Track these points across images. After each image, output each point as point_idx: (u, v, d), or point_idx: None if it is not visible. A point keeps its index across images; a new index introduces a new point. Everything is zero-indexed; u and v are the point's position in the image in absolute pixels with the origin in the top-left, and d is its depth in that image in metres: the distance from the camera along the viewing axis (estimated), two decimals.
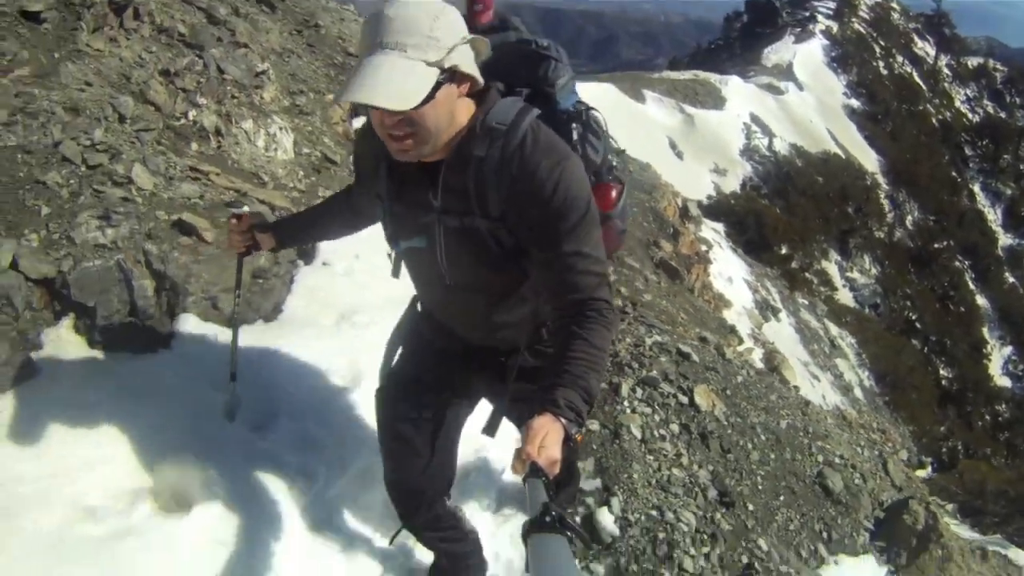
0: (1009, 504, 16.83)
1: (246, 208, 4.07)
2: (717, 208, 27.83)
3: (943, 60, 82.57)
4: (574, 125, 3.41)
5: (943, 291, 46.42)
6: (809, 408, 9.29)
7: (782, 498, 7.16)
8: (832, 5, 75.44)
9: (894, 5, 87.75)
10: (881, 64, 70.80)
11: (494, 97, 2.99)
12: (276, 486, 4.42)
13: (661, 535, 5.61)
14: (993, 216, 64.01)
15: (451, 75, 2.72)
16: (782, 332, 21.66)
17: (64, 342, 4.34)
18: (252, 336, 5.32)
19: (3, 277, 4.14)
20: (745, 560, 5.94)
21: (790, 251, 31.48)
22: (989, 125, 73.50)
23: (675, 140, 32.18)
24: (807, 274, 31.66)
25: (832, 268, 37.82)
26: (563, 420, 2.64)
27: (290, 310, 5.79)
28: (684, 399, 7.42)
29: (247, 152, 7.11)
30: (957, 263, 51.09)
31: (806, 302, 24.40)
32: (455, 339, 3.73)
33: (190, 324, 4.86)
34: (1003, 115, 78.51)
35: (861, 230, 42.41)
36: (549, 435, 2.55)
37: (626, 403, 7.10)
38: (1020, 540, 14.02)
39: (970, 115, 76.72)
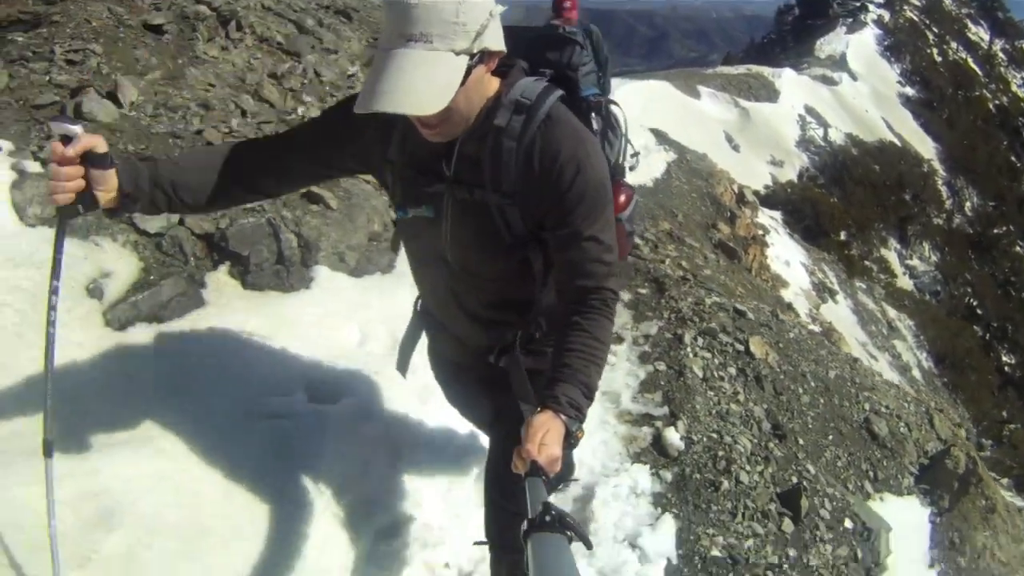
0: None
1: (79, 127, 2.71)
2: (774, 198, 28.11)
3: (998, 44, 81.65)
4: (594, 115, 3.45)
5: (1004, 277, 45.96)
6: (857, 364, 10.10)
7: (830, 437, 8.01)
8: None
9: None
10: (935, 51, 69.93)
11: (518, 74, 2.98)
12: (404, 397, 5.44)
13: (720, 453, 6.51)
14: None
15: (480, 56, 2.66)
16: (840, 313, 22.00)
17: (222, 283, 5.41)
18: (376, 282, 6.40)
19: (175, 230, 5.30)
20: (795, 480, 6.74)
21: (848, 239, 31.73)
22: None
23: (731, 134, 32.40)
24: (866, 262, 31.69)
25: (891, 256, 37.79)
26: (563, 417, 2.67)
27: (401, 266, 6.59)
28: (740, 347, 8.34)
29: None
30: (1018, 248, 50.37)
31: (864, 286, 24.84)
32: (451, 343, 3.77)
33: (322, 274, 5.91)
34: None
35: (920, 217, 42.30)
36: (549, 432, 2.59)
37: (689, 349, 7.96)
38: None
39: None
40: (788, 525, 6.42)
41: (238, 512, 4.31)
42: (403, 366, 4.12)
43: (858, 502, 7.56)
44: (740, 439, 6.89)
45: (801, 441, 7.56)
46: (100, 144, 2.70)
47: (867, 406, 9.06)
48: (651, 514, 5.80)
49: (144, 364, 4.56)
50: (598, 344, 2.90)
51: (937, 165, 50.53)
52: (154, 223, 5.28)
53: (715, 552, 5.70)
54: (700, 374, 7.57)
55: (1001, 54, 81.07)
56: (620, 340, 8.27)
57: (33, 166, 5.01)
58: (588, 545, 2.18)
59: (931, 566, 8.45)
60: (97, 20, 6.85)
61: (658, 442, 6.53)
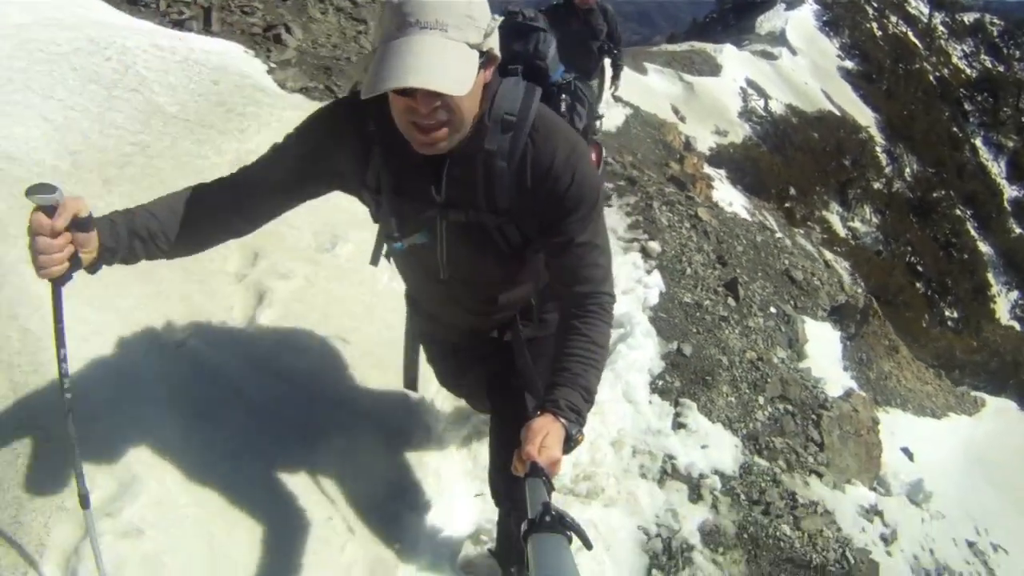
0: (979, 368, 20.70)
1: (59, 194, 2.65)
2: (718, 158, 30.40)
3: (937, 18, 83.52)
4: (563, 96, 3.60)
5: (945, 239, 48.10)
6: (779, 238, 14.13)
7: (759, 274, 11.64)
8: None
9: None
10: (875, 25, 72.01)
11: (496, 81, 3.00)
12: None
13: (684, 258, 10.36)
14: (997, 169, 66.01)
15: (485, 58, 2.74)
16: None
17: None
18: None
19: None
20: (733, 277, 10.51)
21: (789, 201, 33.82)
22: (988, 79, 74.92)
23: (677, 106, 35.01)
24: (808, 223, 33.72)
25: (833, 218, 40.50)
26: (563, 421, 2.80)
27: None
28: (692, 212, 12.11)
29: None
30: (958, 212, 52.82)
31: (803, 231, 27.82)
32: (449, 327, 4.03)
33: None
34: (1001, 68, 79.71)
35: (859, 182, 44.86)
36: (550, 435, 2.71)
37: (656, 211, 11.70)
38: (991, 390, 18.08)
39: (968, 71, 78.10)
40: (731, 301, 10.07)
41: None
42: (412, 383, 4.49)
43: (780, 301, 11.34)
44: (695, 256, 10.62)
45: (738, 270, 11.18)
46: (83, 207, 2.70)
47: (787, 261, 12.92)
48: (646, 271, 9.61)
49: None
50: (597, 348, 3.06)
51: (876, 133, 53.06)
52: None
53: (687, 299, 9.47)
54: (666, 222, 11.33)
55: (941, 27, 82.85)
56: (609, 204, 11.79)
57: (270, 65, 8.39)
58: (588, 545, 2.32)
59: (845, 370, 11.88)
60: None
61: (643, 249, 10.24)
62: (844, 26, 67.05)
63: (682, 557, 6.32)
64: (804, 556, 7.23)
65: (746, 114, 42.10)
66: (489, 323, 3.95)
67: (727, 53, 47.50)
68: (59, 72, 6.45)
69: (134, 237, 2.94)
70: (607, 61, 12.07)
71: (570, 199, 3.01)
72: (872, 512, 9.49)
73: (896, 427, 12.46)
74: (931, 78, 71.17)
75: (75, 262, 2.75)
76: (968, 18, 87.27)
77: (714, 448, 7.79)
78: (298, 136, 3.25)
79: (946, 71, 74.99)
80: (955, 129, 65.72)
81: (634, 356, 8.20)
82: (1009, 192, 64.35)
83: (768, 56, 51.84)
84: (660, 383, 8.15)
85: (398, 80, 2.44)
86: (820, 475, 8.85)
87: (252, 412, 4.84)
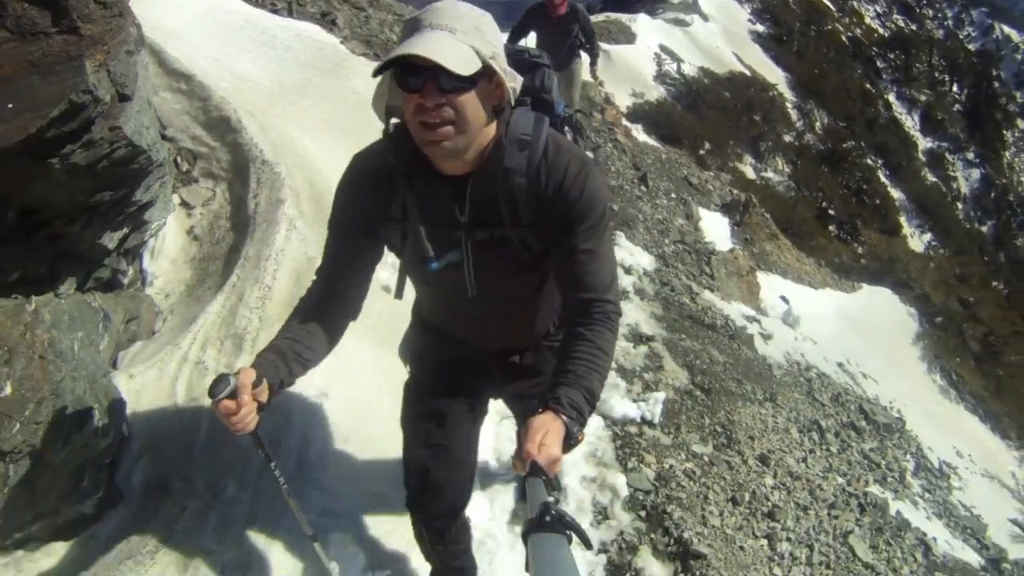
0: (862, 270, 24.46)
1: (232, 378, 3.22)
2: (634, 115, 32.73)
3: None
4: (566, 128, 4.02)
5: (856, 186, 50.60)
6: (682, 160, 19.10)
7: (664, 178, 16.49)
8: None
9: None
10: None
11: (509, 111, 3.32)
12: None
13: (608, 163, 15.10)
14: (911, 123, 69.82)
15: (491, 75, 3.05)
16: None
17: None
18: None
19: None
20: (644, 173, 15.40)
21: (704, 155, 35.17)
22: (900, 38, 78.36)
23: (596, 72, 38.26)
24: (722, 172, 34.89)
25: (747, 168, 43.66)
26: (564, 418, 2.94)
27: None
28: (613, 137, 17.15)
29: None
30: (870, 161, 55.78)
31: (712, 173, 31.81)
32: (467, 348, 4.15)
33: None
34: (914, 27, 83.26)
35: (770, 135, 47.74)
36: (550, 433, 2.84)
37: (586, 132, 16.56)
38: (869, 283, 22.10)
39: (880, 30, 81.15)
40: (643, 188, 14.79)
41: None
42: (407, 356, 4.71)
43: (680, 193, 16.13)
44: (616, 163, 15.24)
45: (648, 173, 16.08)
46: (252, 376, 3.22)
47: (686, 171, 17.95)
48: None
49: None
50: (600, 353, 3.25)
51: (786, 91, 56.56)
52: None
53: (612, 183, 14.17)
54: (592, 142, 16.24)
55: None
56: None
57: (339, 39, 13.02)
58: (588, 545, 2.39)
59: (733, 244, 16.20)
60: None
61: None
62: None
63: (623, 296, 10.95)
64: (699, 318, 11.78)
65: (660, 77, 45.09)
66: (520, 342, 4.13)
67: (641, 22, 50.53)
68: (242, 38, 10.31)
69: (292, 367, 3.47)
70: (584, 52, 14.57)
71: (580, 209, 3.29)
72: (752, 320, 13.84)
73: (775, 285, 16.74)
74: (843, 38, 74.17)
75: (261, 412, 3.30)
76: None
77: (637, 256, 12.73)
78: (337, 207, 3.64)
79: (859, 31, 78.04)
80: (868, 86, 68.99)
81: None
82: (923, 144, 68.20)
83: (681, 23, 54.82)
84: None
85: (405, 50, 2.80)
86: (712, 291, 13.46)
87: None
